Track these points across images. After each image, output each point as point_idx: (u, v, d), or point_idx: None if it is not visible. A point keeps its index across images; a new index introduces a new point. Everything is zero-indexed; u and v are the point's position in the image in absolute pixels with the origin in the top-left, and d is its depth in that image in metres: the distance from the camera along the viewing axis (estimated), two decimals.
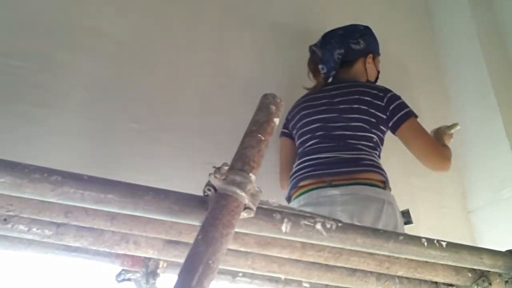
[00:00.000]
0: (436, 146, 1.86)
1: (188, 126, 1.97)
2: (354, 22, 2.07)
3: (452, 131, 1.98)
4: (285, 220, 1.02)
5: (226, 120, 1.99)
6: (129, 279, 1.28)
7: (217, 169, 0.89)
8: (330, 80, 1.95)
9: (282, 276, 1.32)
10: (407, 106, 1.84)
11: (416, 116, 1.84)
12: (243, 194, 0.88)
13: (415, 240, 1.17)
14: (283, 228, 1.01)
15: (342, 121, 1.80)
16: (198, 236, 0.83)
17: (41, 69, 1.81)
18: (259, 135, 0.96)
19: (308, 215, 1.06)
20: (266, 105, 1.01)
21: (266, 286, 1.37)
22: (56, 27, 1.90)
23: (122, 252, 1.12)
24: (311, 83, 2.06)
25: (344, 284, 1.37)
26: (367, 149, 1.75)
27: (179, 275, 0.79)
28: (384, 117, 1.82)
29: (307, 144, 1.82)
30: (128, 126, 1.88)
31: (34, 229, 0.99)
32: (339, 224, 1.08)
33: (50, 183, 0.83)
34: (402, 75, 2.50)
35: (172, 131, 1.93)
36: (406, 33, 2.70)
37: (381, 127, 1.83)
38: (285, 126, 1.99)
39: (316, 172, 1.71)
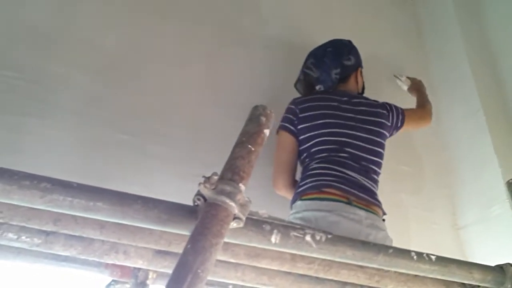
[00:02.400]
0: (426, 115, 2.24)
1: (178, 138, 1.97)
2: (340, 37, 2.14)
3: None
4: (275, 231, 1.02)
5: (217, 133, 1.99)
6: None
7: (207, 179, 0.90)
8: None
9: None
10: (398, 107, 2.07)
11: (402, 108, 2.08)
12: (232, 204, 0.89)
13: (405, 253, 1.18)
14: (273, 239, 1.02)
15: (369, 143, 1.87)
16: (187, 245, 0.83)
17: (34, 80, 1.81)
18: (249, 146, 0.97)
19: (298, 226, 1.06)
20: (256, 116, 1.02)
21: None
22: (50, 39, 1.91)
23: (112, 262, 1.12)
24: None
25: None
26: (377, 179, 1.85)
27: (168, 285, 0.79)
28: (391, 130, 2.01)
29: (335, 154, 1.82)
30: (118, 138, 1.88)
31: (23, 237, 0.99)
32: (329, 236, 1.08)
33: (39, 190, 0.83)
34: (394, 92, 2.51)
35: (162, 144, 1.93)
36: (396, 50, 2.72)
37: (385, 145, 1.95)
38: (292, 122, 1.93)
39: (342, 187, 1.73)
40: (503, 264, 1.30)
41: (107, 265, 1.17)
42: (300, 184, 1.81)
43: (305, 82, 2.09)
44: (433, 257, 1.20)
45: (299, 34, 2.49)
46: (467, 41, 2.55)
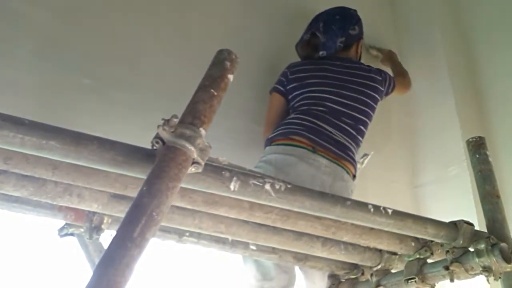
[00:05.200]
0: (408, 83, 2.36)
1: (143, 86, 1.91)
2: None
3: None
4: (234, 178, 1.01)
5: (183, 82, 1.94)
6: (72, 234, 1.26)
7: (166, 122, 0.87)
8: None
9: (229, 237, 1.32)
10: (388, 73, 2.17)
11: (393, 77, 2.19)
12: (191, 148, 0.87)
13: (362, 206, 1.19)
14: (232, 187, 1.00)
15: (355, 101, 1.92)
16: (143, 188, 0.81)
17: None
18: (212, 90, 0.94)
19: (258, 175, 1.06)
20: (220, 60, 0.98)
21: (213, 247, 1.37)
22: None
23: (65, 204, 1.09)
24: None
25: (290, 248, 1.39)
26: (358, 138, 1.90)
27: (121, 225, 0.77)
28: (384, 95, 2.10)
29: (314, 108, 1.89)
30: (80, 82, 1.80)
31: None
32: (288, 186, 1.08)
33: None
34: (368, 62, 2.49)
35: (126, 90, 1.86)
36: (369, 20, 2.67)
37: (376, 107, 2.02)
38: (282, 84, 2.04)
39: (311, 136, 1.78)
40: (456, 221, 1.33)
41: (60, 208, 1.15)
42: (273, 131, 1.87)
43: (308, 44, 2.15)
44: (389, 211, 1.22)
45: None
46: (438, 6, 2.55)
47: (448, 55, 2.45)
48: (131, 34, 1.97)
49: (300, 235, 1.34)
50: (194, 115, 0.90)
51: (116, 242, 0.75)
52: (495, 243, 1.26)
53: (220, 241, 1.36)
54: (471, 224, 1.33)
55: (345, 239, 1.31)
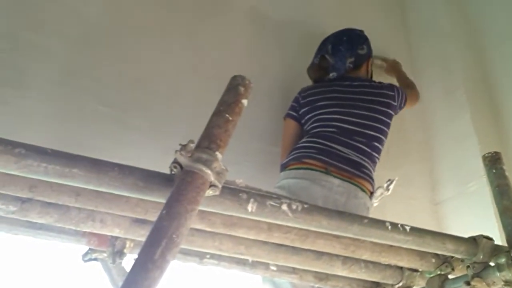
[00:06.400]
0: (416, 96, 2.31)
1: (158, 111, 1.96)
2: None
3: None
4: (251, 200, 1.03)
5: (198, 105, 1.97)
6: (95, 259, 1.28)
7: (183, 147, 0.90)
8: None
9: (250, 258, 1.33)
10: (399, 87, 2.15)
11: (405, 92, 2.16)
12: (208, 171, 0.89)
13: (379, 223, 1.19)
14: (249, 208, 1.02)
15: (366, 119, 1.94)
16: (163, 211, 0.84)
17: (11, 49, 1.78)
18: (227, 115, 0.97)
19: (274, 196, 1.07)
20: (234, 86, 1.02)
21: (234, 268, 1.38)
22: (26, 6, 1.87)
23: (88, 230, 1.12)
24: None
25: (310, 267, 1.39)
26: (374, 154, 1.91)
27: (142, 248, 0.80)
28: (397, 110, 2.09)
29: (324, 129, 1.92)
30: (97, 109, 1.86)
31: None
32: (305, 206, 1.09)
33: (14, 156, 0.82)
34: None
35: (142, 116, 1.91)
36: (379, 28, 2.71)
37: (390, 123, 2.03)
38: (295, 109, 2.08)
39: (322, 158, 1.81)
40: (476, 236, 1.33)
41: (84, 234, 1.17)
42: (287, 156, 1.91)
43: (319, 68, 2.19)
44: (407, 228, 1.22)
45: (281, 9, 2.48)
46: (452, 19, 2.56)
47: (464, 68, 2.46)
48: (147, 60, 2.03)
49: (319, 254, 1.35)
50: (210, 140, 0.93)
51: (138, 264, 0.78)
52: None
53: (240, 263, 1.37)
54: (491, 239, 1.32)
55: (364, 257, 1.31)
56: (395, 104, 2.05)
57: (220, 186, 0.92)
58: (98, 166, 0.89)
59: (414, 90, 2.34)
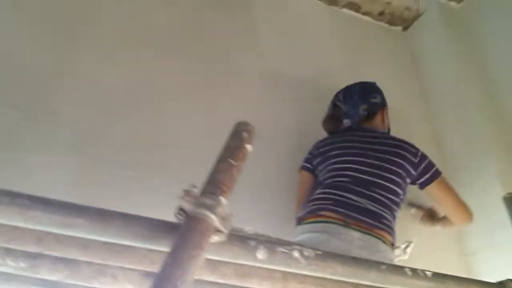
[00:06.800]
0: (463, 204, 2.00)
1: (180, 171, 1.98)
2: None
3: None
4: (261, 247, 1.01)
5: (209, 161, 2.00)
6: None
7: (187, 192, 0.90)
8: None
9: None
10: (435, 165, 1.99)
11: (442, 174, 1.98)
12: (213, 216, 0.88)
13: (398, 269, 1.15)
14: (259, 255, 1.00)
15: (379, 169, 1.87)
16: (167, 259, 0.83)
17: (33, 117, 1.84)
18: (231, 160, 0.97)
19: (285, 242, 1.05)
20: (238, 132, 1.03)
21: None
22: (49, 74, 1.94)
23: (100, 286, 1.11)
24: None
25: None
26: (391, 205, 1.82)
27: None
28: (414, 173, 1.94)
29: (337, 179, 1.87)
30: (120, 173, 1.88)
31: (9, 261, 0.98)
32: (318, 252, 1.07)
33: (19, 207, 0.83)
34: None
35: (162, 178, 1.93)
36: (392, 83, 2.73)
37: (408, 180, 1.94)
38: (308, 161, 2.08)
39: (339, 209, 1.76)
40: (503, 280, 1.28)
41: None
42: (302, 209, 1.87)
43: (333, 118, 2.18)
44: (428, 273, 1.18)
45: (297, 70, 2.53)
46: (464, 66, 2.57)
47: (478, 109, 2.42)
48: (163, 121, 2.07)
49: None
50: (214, 185, 0.93)
51: None
52: None
53: None
54: None
55: None
56: (414, 160, 1.92)
57: (225, 231, 0.91)
58: (102, 215, 0.89)
59: (458, 216, 2.03)
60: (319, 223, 1.76)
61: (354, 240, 1.69)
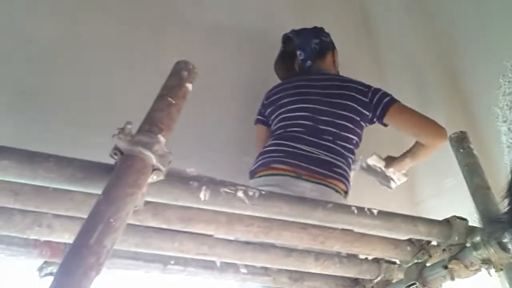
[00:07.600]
0: (430, 119, 1.84)
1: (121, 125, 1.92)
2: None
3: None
4: (203, 187, 0.97)
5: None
6: (51, 273, 1.21)
7: (121, 130, 0.85)
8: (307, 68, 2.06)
9: (216, 259, 1.27)
10: (390, 94, 1.89)
11: (399, 102, 1.87)
12: (149, 154, 0.84)
13: (345, 208, 1.14)
14: (202, 196, 0.97)
15: (330, 116, 1.82)
16: (100, 196, 0.78)
17: None
18: (169, 99, 0.93)
19: (229, 183, 1.02)
20: (177, 70, 0.99)
21: (201, 274, 1.31)
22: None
23: (36, 237, 1.06)
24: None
25: (281, 266, 1.33)
26: (344, 153, 1.80)
27: (78, 235, 0.74)
28: (368, 113, 1.86)
29: (290, 129, 1.84)
30: (59, 130, 1.81)
31: None
32: (263, 192, 1.04)
33: None
34: None
35: (106, 133, 1.86)
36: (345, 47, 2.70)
37: (363, 124, 1.87)
38: (260, 112, 2.04)
39: (292, 161, 1.73)
40: (449, 218, 1.28)
41: (35, 244, 1.11)
42: (254, 162, 1.83)
43: (285, 51, 2.14)
44: (375, 211, 1.17)
45: (241, 20, 2.49)
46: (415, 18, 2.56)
47: (431, 64, 2.43)
48: (106, 73, 2.00)
49: (290, 251, 1.30)
50: (151, 123, 0.88)
51: (72, 251, 0.72)
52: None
53: (208, 267, 1.30)
54: (465, 219, 1.27)
55: (335, 248, 1.25)
56: (365, 100, 1.84)
57: (163, 169, 0.87)
58: (31, 157, 0.84)
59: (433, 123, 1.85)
60: (271, 176, 1.73)
61: (307, 191, 1.66)
